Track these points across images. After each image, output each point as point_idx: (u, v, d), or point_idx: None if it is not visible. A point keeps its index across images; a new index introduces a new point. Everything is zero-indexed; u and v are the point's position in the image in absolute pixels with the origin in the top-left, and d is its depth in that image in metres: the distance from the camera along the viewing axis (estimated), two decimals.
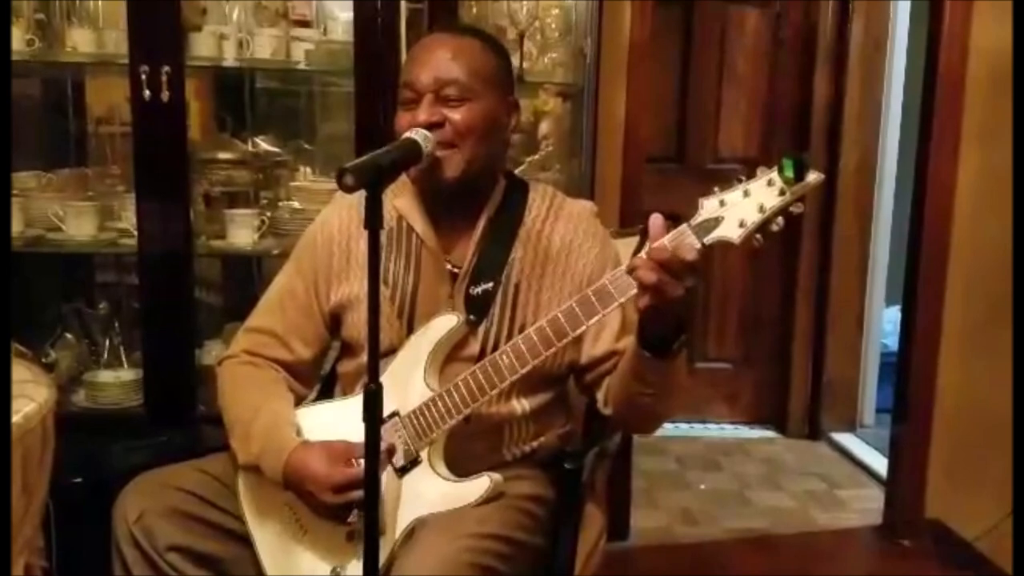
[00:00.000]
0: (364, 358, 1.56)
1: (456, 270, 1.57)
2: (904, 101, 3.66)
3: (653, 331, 1.37)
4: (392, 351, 1.53)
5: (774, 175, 1.25)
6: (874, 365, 3.87)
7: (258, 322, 1.66)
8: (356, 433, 1.43)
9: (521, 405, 1.56)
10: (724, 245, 1.28)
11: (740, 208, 1.27)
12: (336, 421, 1.51)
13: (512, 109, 1.58)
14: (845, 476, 3.50)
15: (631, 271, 1.32)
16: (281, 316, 1.63)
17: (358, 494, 1.40)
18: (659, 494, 3.26)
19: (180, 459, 1.64)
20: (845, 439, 3.78)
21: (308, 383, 1.68)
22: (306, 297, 1.62)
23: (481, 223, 1.56)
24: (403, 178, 1.53)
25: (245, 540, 1.54)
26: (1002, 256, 2.61)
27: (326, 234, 1.62)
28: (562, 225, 1.59)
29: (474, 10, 2.55)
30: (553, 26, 2.61)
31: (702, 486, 3.37)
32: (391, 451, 1.46)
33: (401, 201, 1.59)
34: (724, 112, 3.78)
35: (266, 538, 1.53)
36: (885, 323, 3.88)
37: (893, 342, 3.42)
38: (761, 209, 1.26)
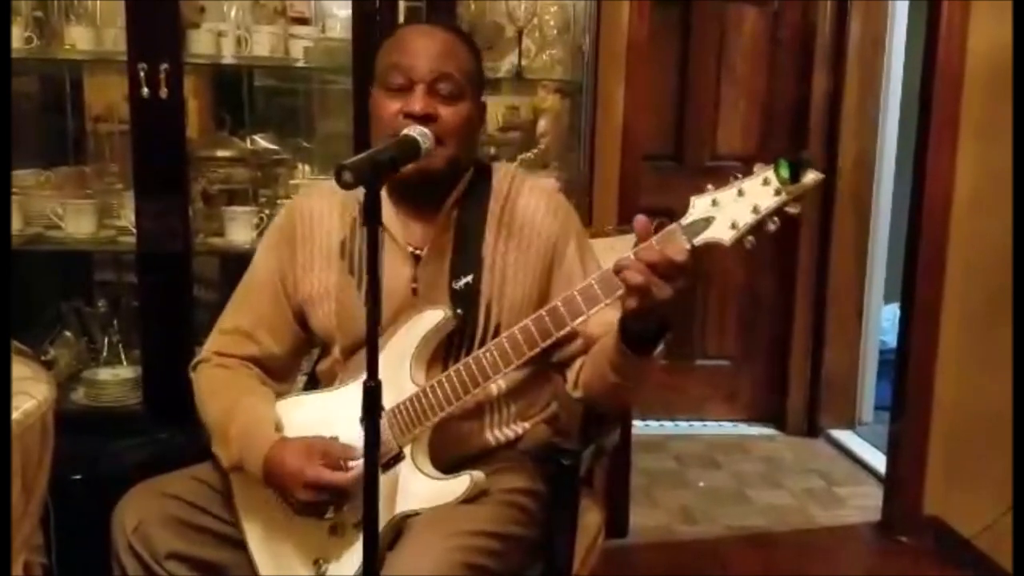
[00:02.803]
0: (336, 354, 1.59)
1: (417, 252, 1.56)
2: (902, 99, 3.66)
3: (635, 329, 1.36)
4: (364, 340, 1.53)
5: (770, 174, 1.23)
6: (873, 362, 3.87)
7: (225, 322, 1.66)
8: (338, 426, 1.46)
9: (498, 385, 1.55)
10: (714, 247, 1.26)
11: (733, 208, 1.25)
12: (317, 414, 1.52)
13: (483, 111, 1.60)
14: (844, 473, 3.51)
15: (618, 272, 1.29)
16: (248, 311, 1.63)
17: (328, 496, 1.42)
18: (658, 492, 3.27)
19: (179, 457, 1.64)
20: (844, 436, 3.79)
21: (281, 378, 1.67)
22: (272, 288, 1.62)
23: (446, 209, 1.55)
24: None
25: (243, 545, 1.54)
26: (1001, 253, 2.62)
27: (289, 225, 1.62)
28: (523, 201, 1.58)
29: (472, 7, 2.55)
30: (552, 23, 2.61)
31: (701, 484, 3.38)
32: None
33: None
34: (722, 110, 3.78)
35: (256, 527, 1.54)
36: (883, 320, 3.88)
37: (892, 339, 3.42)
38: (755, 210, 1.23)
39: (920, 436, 2.90)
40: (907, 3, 3.63)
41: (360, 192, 1.54)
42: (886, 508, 3.04)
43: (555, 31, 2.61)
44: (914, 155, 2.90)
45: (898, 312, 3.07)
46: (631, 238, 1.72)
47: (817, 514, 3.17)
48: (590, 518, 1.64)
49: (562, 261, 1.57)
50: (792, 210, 1.24)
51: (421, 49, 1.50)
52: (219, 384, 1.61)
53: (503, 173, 1.62)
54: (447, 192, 1.56)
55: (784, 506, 3.22)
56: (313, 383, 1.71)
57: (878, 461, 3.37)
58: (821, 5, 3.65)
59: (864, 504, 3.19)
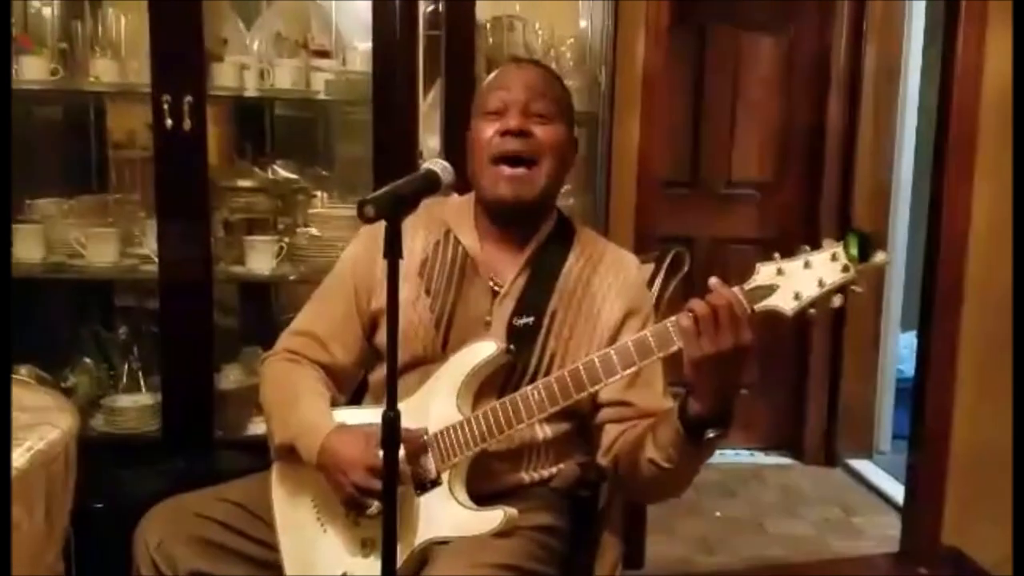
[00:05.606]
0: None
1: (498, 288, 1.59)
2: (918, 127, 3.66)
3: (695, 410, 1.36)
4: (424, 359, 1.56)
5: (839, 250, 1.23)
6: (890, 391, 3.85)
7: (300, 325, 1.69)
8: None
9: (543, 431, 1.58)
10: (775, 315, 1.26)
11: (798, 279, 1.25)
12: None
13: (574, 144, 1.64)
14: (861, 503, 3.48)
15: (676, 324, 1.32)
16: (323, 321, 1.67)
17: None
18: (675, 522, 3.24)
19: (197, 484, 1.66)
20: (861, 465, 3.77)
21: (343, 389, 1.70)
22: (347, 303, 1.65)
23: (529, 250, 1.60)
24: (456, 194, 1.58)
25: (265, 565, 1.56)
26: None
27: (372, 246, 1.63)
28: (602, 272, 1.62)
29: (490, 39, 2.58)
30: (568, 55, 2.64)
31: (718, 514, 3.36)
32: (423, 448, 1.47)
33: (452, 215, 1.63)
34: (737, 138, 3.79)
35: (289, 531, 1.57)
36: (901, 348, 3.87)
37: (909, 367, 3.40)
38: (820, 284, 1.24)
39: (938, 465, 2.88)
40: (922, 30, 3.64)
41: (446, 215, 1.60)
42: (904, 538, 3.01)
43: (572, 63, 2.63)
44: (931, 185, 2.89)
45: (915, 340, 3.05)
46: (648, 267, 1.74)
47: (835, 544, 3.14)
48: (608, 549, 1.64)
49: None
50: (858, 288, 1.24)
51: (517, 78, 1.58)
52: (289, 375, 1.64)
53: (586, 236, 1.67)
54: (532, 232, 1.61)
55: (802, 536, 3.20)
56: (362, 390, 1.74)
57: (896, 491, 3.34)
58: (836, 32, 3.67)
59: (882, 534, 3.16)
